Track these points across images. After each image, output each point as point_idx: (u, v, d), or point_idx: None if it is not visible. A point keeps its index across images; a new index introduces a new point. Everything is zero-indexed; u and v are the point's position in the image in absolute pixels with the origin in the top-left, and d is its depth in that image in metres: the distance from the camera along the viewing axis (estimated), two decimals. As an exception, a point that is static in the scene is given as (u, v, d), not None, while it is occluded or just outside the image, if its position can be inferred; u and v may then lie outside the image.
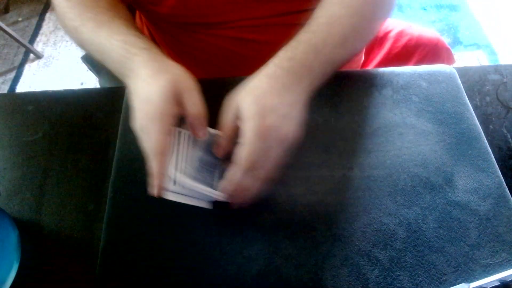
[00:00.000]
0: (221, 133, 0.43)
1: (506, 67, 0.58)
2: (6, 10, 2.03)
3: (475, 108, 0.53)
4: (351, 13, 0.46)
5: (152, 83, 0.40)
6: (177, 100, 0.40)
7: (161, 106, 0.39)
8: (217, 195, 0.41)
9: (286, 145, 0.40)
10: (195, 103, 0.40)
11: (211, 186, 0.42)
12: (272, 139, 0.39)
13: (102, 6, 0.49)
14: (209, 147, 0.44)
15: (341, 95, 0.53)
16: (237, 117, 0.41)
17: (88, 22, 0.48)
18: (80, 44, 0.51)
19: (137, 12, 0.72)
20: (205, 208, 0.44)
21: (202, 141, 0.43)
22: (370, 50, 0.78)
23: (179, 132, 0.43)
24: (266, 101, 0.40)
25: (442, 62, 0.75)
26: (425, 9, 1.83)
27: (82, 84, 1.68)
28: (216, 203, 0.44)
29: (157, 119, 0.38)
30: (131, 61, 0.43)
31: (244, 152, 0.39)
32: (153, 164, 0.39)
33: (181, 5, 0.54)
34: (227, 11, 0.57)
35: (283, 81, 0.42)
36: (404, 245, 0.42)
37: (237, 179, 0.39)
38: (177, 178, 0.40)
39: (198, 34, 0.61)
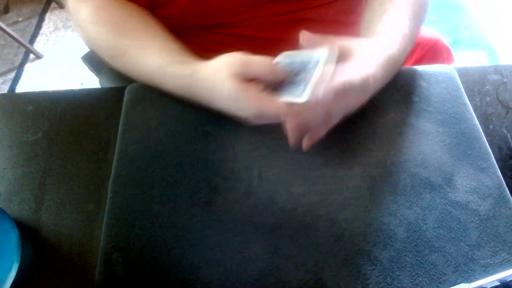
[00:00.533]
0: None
1: (506, 67, 0.58)
2: (6, 10, 2.03)
3: (475, 108, 0.53)
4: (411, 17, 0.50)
5: (217, 70, 0.44)
6: (245, 72, 0.43)
7: (233, 74, 0.42)
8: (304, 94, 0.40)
9: (359, 100, 0.43)
10: (260, 65, 0.43)
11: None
12: (363, 86, 0.41)
13: (134, 26, 0.52)
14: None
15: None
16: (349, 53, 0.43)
17: (127, 50, 0.51)
18: (125, 71, 0.53)
19: None
20: (204, 208, 0.44)
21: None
22: None
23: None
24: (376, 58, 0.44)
25: (442, 61, 0.75)
26: (425, 9, 1.83)
27: (82, 84, 1.68)
28: (215, 205, 0.44)
29: (240, 87, 0.42)
30: (191, 76, 0.46)
31: (344, 75, 0.40)
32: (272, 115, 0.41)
33: (192, 8, 0.54)
34: (239, 12, 0.57)
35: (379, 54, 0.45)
36: (404, 245, 0.42)
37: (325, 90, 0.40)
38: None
39: (207, 34, 0.61)
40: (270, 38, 0.60)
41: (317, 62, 0.42)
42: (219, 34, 0.60)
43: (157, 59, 0.49)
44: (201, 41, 0.62)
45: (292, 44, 0.58)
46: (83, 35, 0.55)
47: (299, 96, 0.40)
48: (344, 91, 0.40)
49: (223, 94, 0.43)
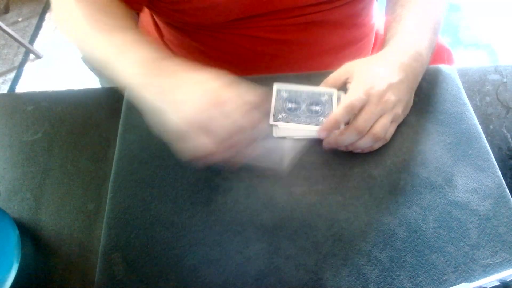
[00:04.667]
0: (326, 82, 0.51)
1: (506, 67, 0.58)
2: (6, 10, 2.03)
3: (475, 108, 0.53)
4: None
5: (206, 75, 0.40)
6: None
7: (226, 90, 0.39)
8: (312, 130, 0.48)
9: (385, 109, 0.45)
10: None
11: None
12: (373, 96, 0.44)
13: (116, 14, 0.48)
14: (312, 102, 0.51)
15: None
16: (346, 76, 0.48)
17: (105, 26, 0.46)
18: (85, 44, 0.49)
19: (150, 14, 0.71)
20: (204, 208, 0.44)
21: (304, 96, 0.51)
22: (370, 51, 0.78)
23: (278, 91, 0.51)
24: (377, 69, 0.47)
25: (442, 63, 0.75)
26: (425, 9, 1.83)
27: (82, 84, 1.68)
28: (215, 205, 0.44)
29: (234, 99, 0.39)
30: (166, 61, 0.42)
31: (347, 98, 0.45)
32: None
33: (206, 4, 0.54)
34: (250, 14, 0.57)
35: (395, 64, 0.47)
36: (404, 245, 0.42)
37: (339, 113, 0.45)
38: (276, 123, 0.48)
39: (217, 33, 0.61)
40: (280, 39, 0.61)
41: (330, 97, 0.50)
42: (230, 34, 0.60)
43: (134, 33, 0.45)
44: (212, 40, 0.62)
45: (301, 45, 0.59)
46: (64, 15, 0.50)
47: None
48: (352, 109, 0.44)
49: (191, 99, 0.38)
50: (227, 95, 0.39)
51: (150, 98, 0.40)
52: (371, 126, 0.45)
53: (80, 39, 0.49)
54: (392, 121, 0.46)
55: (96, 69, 0.79)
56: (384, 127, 0.45)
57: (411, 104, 0.50)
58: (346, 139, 0.45)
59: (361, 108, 0.45)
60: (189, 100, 0.38)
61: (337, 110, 0.45)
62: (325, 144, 0.47)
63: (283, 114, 0.49)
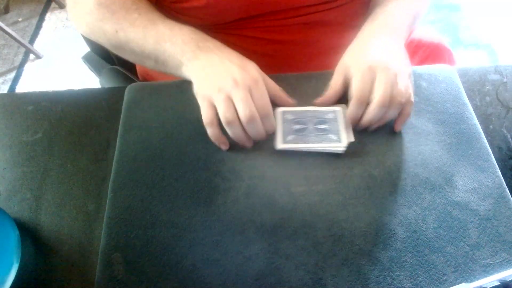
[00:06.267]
0: (328, 90, 0.51)
1: (506, 67, 0.58)
2: (6, 10, 2.03)
3: (475, 108, 0.53)
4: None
5: (244, 58, 0.48)
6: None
7: (261, 74, 0.47)
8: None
9: (392, 74, 0.46)
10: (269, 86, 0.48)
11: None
12: (379, 70, 0.46)
13: (144, 8, 0.53)
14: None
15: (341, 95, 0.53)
16: (346, 76, 0.49)
17: (136, 21, 0.51)
18: (122, 42, 0.53)
19: None
20: (204, 208, 0.44)
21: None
22: None
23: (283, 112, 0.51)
24: (369, 49, 0.49)
25: (443, 63, 0.75)
26: (425, 9, 1.83)
27: (82, 84, 1.68)
28: (215, 205, 0.44)
29: (261, 81, 0.46)
30: (205, 40, 0.50)
31: (355, 86, 0.47)
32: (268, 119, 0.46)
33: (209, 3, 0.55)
34: (250, 14, 0.58)
35: (378, 36, 0.51)
36: (404, 245, 0.42)
37: (353, 111, 0.47)
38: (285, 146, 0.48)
39: (217, 34, 0.61)
40: (280, 40, 0.61)
41: (335, 114, 0.50)
42: (229, 35, 0.60)
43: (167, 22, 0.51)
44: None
45: (300, 45, 0.60)
46: (87, 18, 0.55)
47: (338, 142, 0.48)
48: (360, 100, 0.46)
49: (237, 65, 0.46)
50: (259, 77, 0.46)
51: (197, 69, 0.48)
52: (392, 94, 0.45)
53: (108, 36, 0.53)
54: (408, 78, 0.47)
55: (96, 69, 0.79)
56: (405, 87, 0.46)
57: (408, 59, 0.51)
58: (375, 117, 0.46)
59: (372, 86, 0.46)
60: (228, 71, 0.46)
61: (349, 108, 0.47)
62: (359, 127, 0.49)
63: (292, 136, 0.48)
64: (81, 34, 0.64)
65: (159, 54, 0.50)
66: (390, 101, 0.45)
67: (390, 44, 0.50)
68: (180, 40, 0.49)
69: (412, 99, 0.48)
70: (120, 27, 0.52)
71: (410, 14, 0.55)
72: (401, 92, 0.45)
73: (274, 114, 0.49)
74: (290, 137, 0.48)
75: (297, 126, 0.49)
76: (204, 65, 0.47)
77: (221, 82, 0.45)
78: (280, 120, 0.50)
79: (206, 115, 0.46)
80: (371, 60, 0.47)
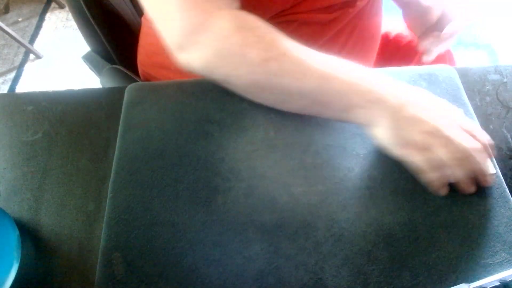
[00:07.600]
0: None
1: (506, 67, 0.58)
2: (6, 10, 2.03)
3: (475, 108, 0.53)
4: None
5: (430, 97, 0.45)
6: None
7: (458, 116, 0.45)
8: None
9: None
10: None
11: None
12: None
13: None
14: None
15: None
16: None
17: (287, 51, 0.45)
18: (271, 74, 0.45)
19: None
20: (204, 208, 0.44)
21: None
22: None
23: None
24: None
25: (443, 63, 0.75)
26: (425, 9, 1.83)
27: (82, 84, 1.68)
28: (215, 205, 0.44)
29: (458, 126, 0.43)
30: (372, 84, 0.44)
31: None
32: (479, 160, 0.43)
33: None
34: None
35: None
36: (404, 245, 0.42)
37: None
38: None
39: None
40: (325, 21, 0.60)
41: None
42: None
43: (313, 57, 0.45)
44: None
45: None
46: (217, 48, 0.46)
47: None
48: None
49: (434, 109, 0.43)
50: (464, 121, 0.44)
51: (391, 115, 0.43)
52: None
53: (253, 67, 0.45)
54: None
55: (96, 68, 0.79)
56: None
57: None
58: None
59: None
60: (432, 115, 0.43)
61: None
62: None
63: None
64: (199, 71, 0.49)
65: (324, 93, 0.44)
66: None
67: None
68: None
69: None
70: (271, 56, 0.44)
71: None
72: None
73: None
74: None
75: None
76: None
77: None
78: None
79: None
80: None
